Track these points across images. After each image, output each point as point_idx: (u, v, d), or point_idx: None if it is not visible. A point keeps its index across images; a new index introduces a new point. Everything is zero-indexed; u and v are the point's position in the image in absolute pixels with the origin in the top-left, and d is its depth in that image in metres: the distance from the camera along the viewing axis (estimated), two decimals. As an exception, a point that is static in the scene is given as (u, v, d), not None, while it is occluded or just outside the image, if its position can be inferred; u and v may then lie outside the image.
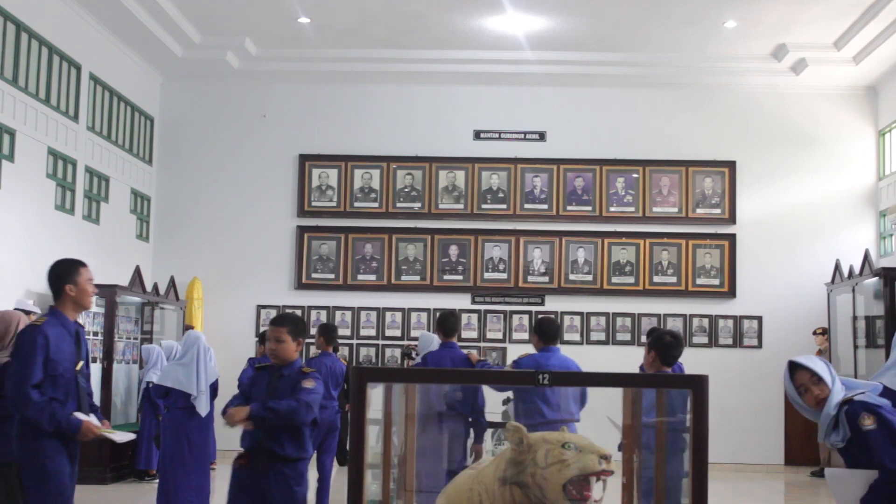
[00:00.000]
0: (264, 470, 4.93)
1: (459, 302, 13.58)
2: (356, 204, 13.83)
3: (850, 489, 4.01)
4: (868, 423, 3.90)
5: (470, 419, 7.39)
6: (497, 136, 13.89)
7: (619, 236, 13.65)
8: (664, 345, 5.89)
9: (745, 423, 13.17)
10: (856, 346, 11.99)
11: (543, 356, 7.09)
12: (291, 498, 4.94)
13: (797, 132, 13.71)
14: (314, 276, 13.72)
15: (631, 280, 13.58)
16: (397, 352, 13.30)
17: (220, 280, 13.68)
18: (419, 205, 13.78)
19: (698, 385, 2.59)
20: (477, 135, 13.90)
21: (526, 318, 13.58)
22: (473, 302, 13.64)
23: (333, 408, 8.74)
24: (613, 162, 13.72)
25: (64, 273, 4.93)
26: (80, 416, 4.78)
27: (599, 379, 3.13)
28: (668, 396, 3.27)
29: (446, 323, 8.16)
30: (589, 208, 13.69)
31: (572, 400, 6.96)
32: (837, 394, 4.07)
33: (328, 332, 9.04)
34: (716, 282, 13.55)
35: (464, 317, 13.56)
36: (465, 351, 8.42)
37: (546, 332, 7.22)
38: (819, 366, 4.15)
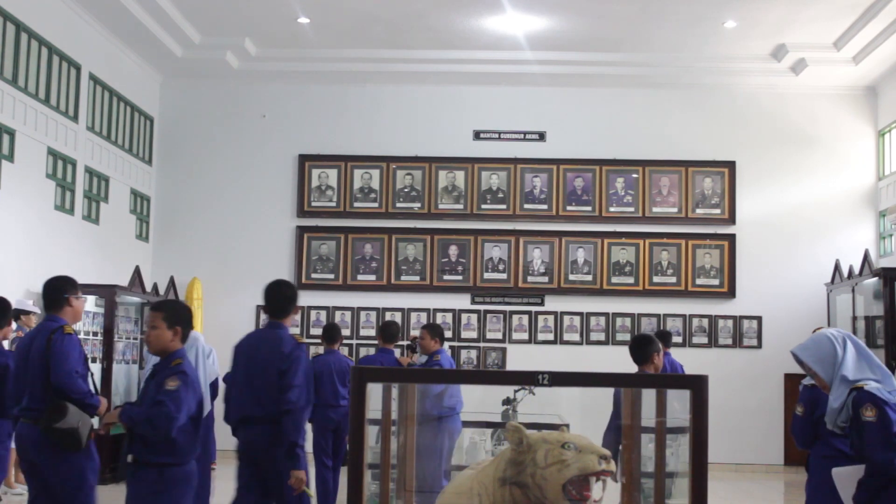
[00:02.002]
0: (130, 477, 4.54)
1: (459, 302, 13.58)
2: (356, 204, 13.83)
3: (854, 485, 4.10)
4: (869, 414, 3.99)
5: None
6: (497, 136, 13.90)
7: (618, 236, 13.65)
8: (630, 346, 6.50)
9: (744, 422, 13.17)
10: (856, 346, 11.98)
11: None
12: None
13: (797, 132, 13.71)
14: (314, 276, 13.72)
15: (631, 280, 13.59)
16: (397, 352, 13.26)
17: (220, 280, 13.68)
18: (419, 205, 13.78)
19: (698, 385, 2.59)
20: (477, 135, 13.90)
21: (526, 318, 13.58)
22: (473, 302, 13.64)
23: (345, 407, 8.74)
24: (613, 162, 13.72)
25: (295, 296, 5.72)
26: None
27: (599, 379, 3.13)
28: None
29: (387, 331, 8.92)
30: (589, 208, 13.69)
31: (446, 396, 7.83)
32: (841, 385, 4.13)
33: (327, 332, 9.14)
34: (715, 282, 13.55)
35: (463, 317, 13.57)
36: (395, 356, 8.81)
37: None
38: (816, 355, 4.21)
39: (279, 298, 5.63)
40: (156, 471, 4.49)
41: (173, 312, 4.70)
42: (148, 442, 4.50)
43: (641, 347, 6.38)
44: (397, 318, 13.52)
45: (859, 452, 4.10)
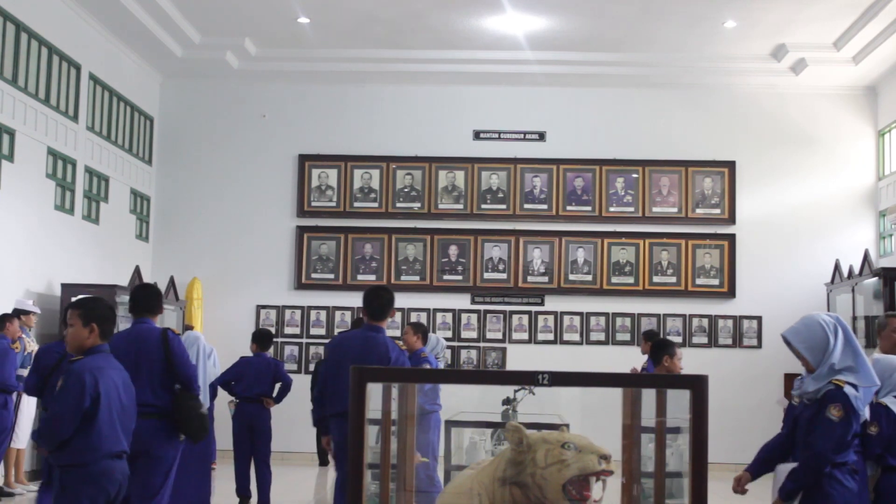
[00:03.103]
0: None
1: (459, 302, 13.58)
2: (356, 204, 13.83)
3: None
4: (836, 414, 4.23)
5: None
6: (497, 136, 13.89)
7: (618, 236, 13.65)
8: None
9: (744, 423, 13.16)
10: (855, 347, 11.96)
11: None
12: None
13: (797, 132, 13.71)
14: (314, 276, 13.72)
15: (631, 280, 13.58)
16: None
17: (220, 280, 13.68)
18: (419, 205, 13.77)
19: (698, 385, 2.59)
20: (477, 135, 13.90)
21: (526, 318, 13.57)
22: (473, 302, 13.64)
23: None
24: (613, 162, 13.72)
25: (392, 300, 6.06)
26: None
27: (599, 379, 3.13)
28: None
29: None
30: (588, 208, 13.69)
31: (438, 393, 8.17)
32: (828, 374, 4.34)
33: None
34: (715, 282, 13.55)
35: (463, 317, 13.57)
36: None
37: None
38: (808, 342, 4.43)
39: (379, 302, 6.00)
40: (60, 472, 4.49)
41: (88, 309, 4.58)
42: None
43: (653, 351, 6.91)
44: (397, 318, 13.51)
45: (798, 431, 4.38)
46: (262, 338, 9.58)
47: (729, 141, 13.73)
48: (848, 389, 4.27)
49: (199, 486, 7.89)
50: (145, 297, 5.91)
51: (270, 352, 10.24)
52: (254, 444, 9.10)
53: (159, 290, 6.22)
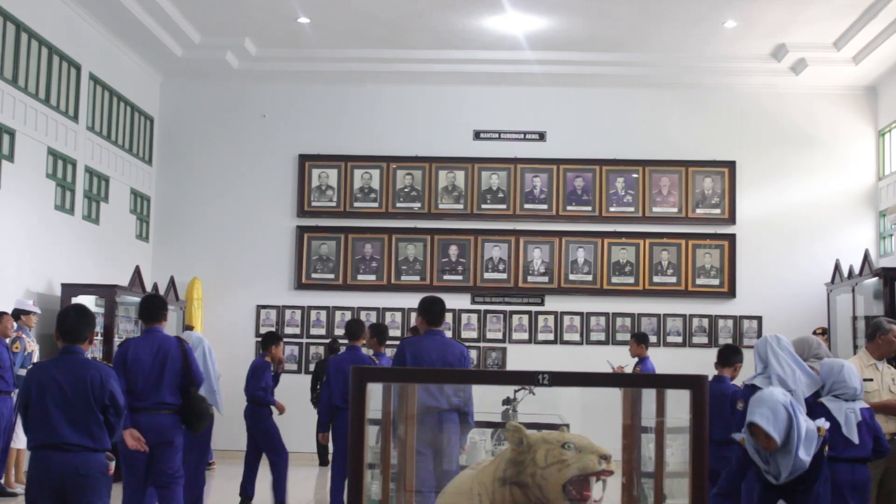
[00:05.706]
0: None
1: (459, 302, 13.57)
2: (356, 204, 13.83)
3: None
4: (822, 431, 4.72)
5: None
6: (497, 136, 13.89)
7: (618, 236, 13.65)
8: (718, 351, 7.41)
9: (744, 423, 13.16)
10: (856, 346, 11.98)
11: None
12: None
13: (797, 132, 13.71)
14: (314, 276, 13.72)
15: (631, 280, 13.58)
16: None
17: (220, 280, 13.67)
18: (419, 205, 13.77)
19: (698, 385, 2.59)
20: (477, 135, 13.89)
21: (526, 318, 13.58)
22: (473, 302, 13.64)
23: None
24: (613, 162, 13.72)
25: (445, 307, 6.78)
26: None
27: (599, 379, 3.13)
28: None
29: (350, 328, 9.10)
30: (589, 208, 13.69)
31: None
32: (805, 437, 4.68)
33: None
34: (715, 282, 13.55)
35: (463, 317, 13.57)
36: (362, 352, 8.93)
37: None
38: (778, 425, 4.65)
39: (436, 311, 6.65)
40: None
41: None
42: None
43: (722, 355, 7.28)
44: (397, 318, 13.53)
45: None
46: (262, 339, 9.61)
47: (729, 141, 13.73)
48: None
49: (193, 483, 7.89)
50: (154, 308, 6.80)
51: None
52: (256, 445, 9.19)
53: (164, 299, 7.10)
